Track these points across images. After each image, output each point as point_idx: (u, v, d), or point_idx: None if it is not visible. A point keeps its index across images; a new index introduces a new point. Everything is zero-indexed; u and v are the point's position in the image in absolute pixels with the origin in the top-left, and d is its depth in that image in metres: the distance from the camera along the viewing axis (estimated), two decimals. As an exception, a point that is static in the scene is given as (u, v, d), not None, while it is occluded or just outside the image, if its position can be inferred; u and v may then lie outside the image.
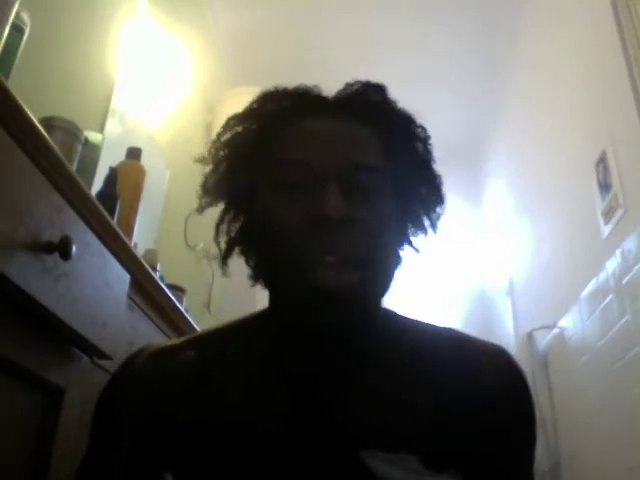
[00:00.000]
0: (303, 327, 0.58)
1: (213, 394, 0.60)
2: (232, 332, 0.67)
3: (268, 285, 0.61)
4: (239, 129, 0.64)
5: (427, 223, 0.65)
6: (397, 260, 0.63)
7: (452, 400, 0.57)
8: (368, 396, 0.58)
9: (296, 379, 0.59)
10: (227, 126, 0.65)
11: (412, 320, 0.66)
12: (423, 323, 0.66)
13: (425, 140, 0.64)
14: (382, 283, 0.58)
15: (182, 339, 0.70)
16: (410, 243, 0.66)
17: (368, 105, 0.62)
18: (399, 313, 0.66)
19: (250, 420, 0.57)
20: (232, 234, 0.64)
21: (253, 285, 0.64)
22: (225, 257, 0.65)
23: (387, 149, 0.60)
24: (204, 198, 0.65)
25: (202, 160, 0.65)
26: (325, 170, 0.56)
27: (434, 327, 0.65)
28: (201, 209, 0.65)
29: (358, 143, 0.59)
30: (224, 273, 0.66)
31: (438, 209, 0.65)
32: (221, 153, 0.64)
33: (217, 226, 0.65)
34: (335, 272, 0.52)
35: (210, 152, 0.65)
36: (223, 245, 0.64)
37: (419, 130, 0.64)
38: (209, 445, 0.58)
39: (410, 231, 0.65)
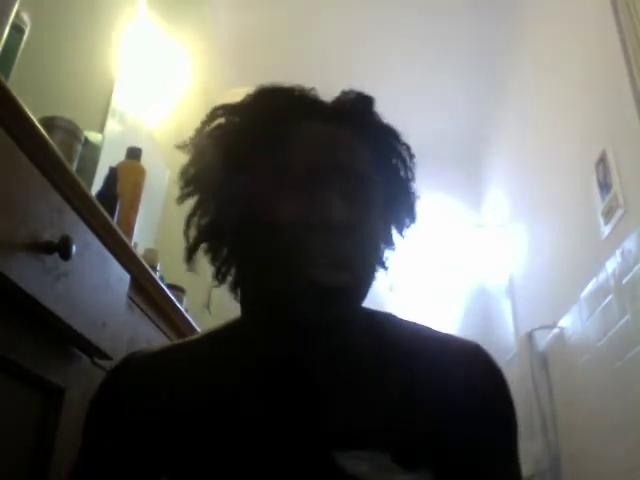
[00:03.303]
0: (289, 323, 0.58)
1: (198, 392, 0.61)
2: (216, 335, 0.67)
3: (253, 282, 0.61)
4: (228, 122, 0.63)
5: (396, 237, 0.67)
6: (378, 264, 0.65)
7: (427, 398, 0.57)
8: (343, 395, 0.58)
9: (274, 385, 0.60)
10: (213, 116, 0.63)
11: (393, 319, 0.66)
12: (402, 322, 0.66)
13: (408, 159, 0.65)
14: (367, 285, 0.59)
15: (168, 344, 0.71)
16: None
17: (362, 117, 0.63)
18: (379, 311, 0.67)
19: (228, 423, 0.58)
20: (201, 228, 0.63)
21: (217, 286, 0.64)
22: (191, 252, 0.63)
23: (375, 162, 0.61)
24: (185, 189, 0.63)
25: (184, 147, 0.64)
26: (326, 174, 0.57)
27: (413, 326, 0.65)
28: (181, 200, 0.64)
29: (355, 151, 0.60)
30: (190, 269, 0.65)
31: (411, 226, 0.67)
32: (206, 144, 0.62)
33: (188, 218, 0.63)
34: (328, 272, 0.53)
35: (193, 140, 0.63)
36: (191, 240, 0.63)
37: (403, 148, 0.65)
38: (194, 442, 0.58)
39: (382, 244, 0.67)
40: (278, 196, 0.57)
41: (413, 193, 0.66)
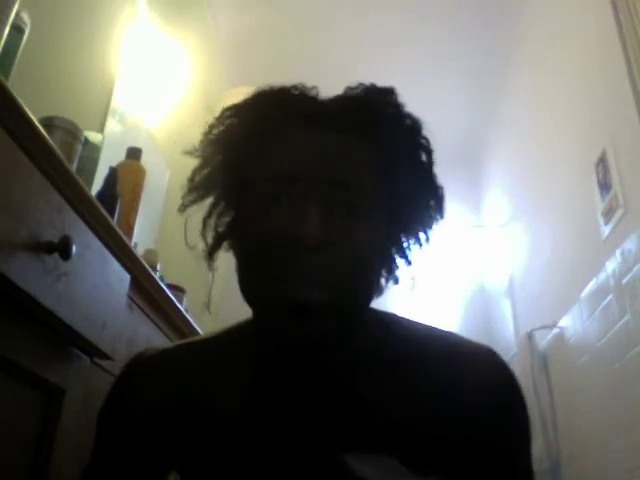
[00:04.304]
0: (276, 334, 0.58)
1: (205, 390, 0.61)
2: (226, 335, 0.67)
3: (242, 291, 0.60)
4: (232, 125, 0.62)
5: (422, 235, 0.65)
6: (387, 272, 0.63)
7: (438, 402, 0.57)
8: (351, 397, 0.58)
9: (280, 384, 0.60)
10: (221, 119, 0.63)
11: (402, 321, 0.65)
12: (414, 324, 0.65)
13: (428, 151, 0.62)
14: (362, 298, 0.58)
15: (177, 343, 0.71)
16: (404, 254, 0.65)
17: (367, 116, 0.59)
18: (390, 313, 0.66)
19: (237, 423, 0.58)
20: (220, 229, 0.63)
21: None
22: (212, 252, 0.64)
23: (385, 163, 0.59)
24: (189, 196, 0.63)
25: (195, 152, 0.64)
26: (309, 187, 0.55)
27: (425, 328, 0.64)
28: (183, 208, 0.64)
29: (349, 159, 0.58)
30: (210, 268, 0.66)
31: (436, 223, 0.64)
32: (213, 147, 0.63)
33: (204, 220, 0.64)
34: (308, 288, 0.53)
35: (202, 144, 0.63)
36: (210, 240, 0.64)
37: (423, 141, 0.61)
38: (202, 440, 0.58)
39: (404, 243, 0.65)
40: (264, 210, 0.56)
41: (440, 187, 0.63)
